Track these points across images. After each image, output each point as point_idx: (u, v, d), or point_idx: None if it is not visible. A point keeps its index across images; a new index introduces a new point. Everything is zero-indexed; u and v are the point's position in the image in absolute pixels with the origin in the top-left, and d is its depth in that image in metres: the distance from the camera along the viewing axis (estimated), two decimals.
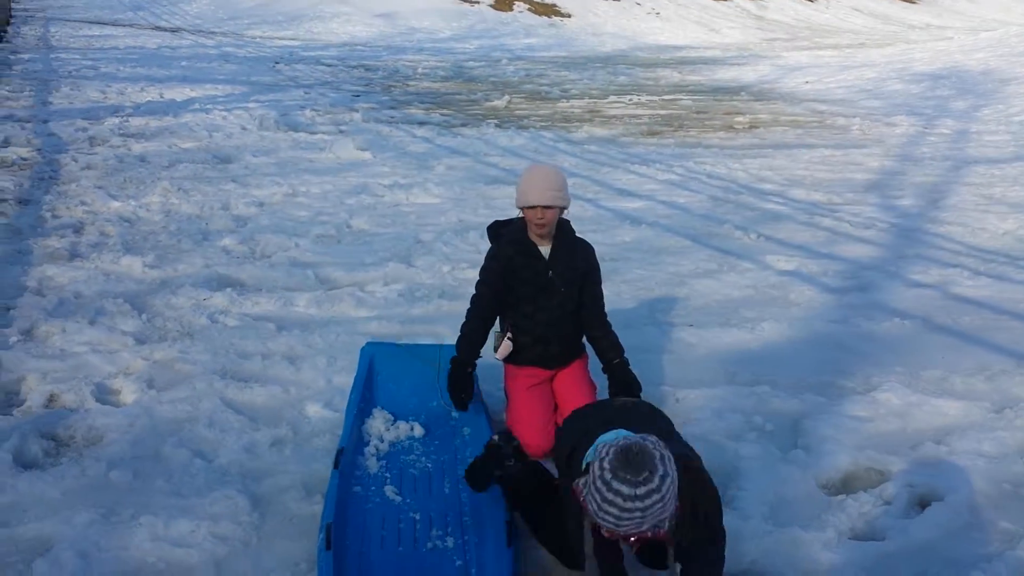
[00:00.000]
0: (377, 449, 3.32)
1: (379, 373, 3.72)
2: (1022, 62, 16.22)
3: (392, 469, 3.22)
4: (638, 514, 2.15)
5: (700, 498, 2.38)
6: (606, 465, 2.17)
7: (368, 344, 3.89)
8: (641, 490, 2.14)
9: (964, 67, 16.80)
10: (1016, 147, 10.32)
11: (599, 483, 2.18)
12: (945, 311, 5.04)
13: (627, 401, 2.96)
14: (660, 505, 2.17)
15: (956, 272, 5.72)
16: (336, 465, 3.08)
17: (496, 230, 3.53)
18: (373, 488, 3.09)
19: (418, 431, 3.46)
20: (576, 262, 3.42)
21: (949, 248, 6.31)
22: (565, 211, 3.38)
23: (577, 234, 3.50)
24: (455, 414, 3.58)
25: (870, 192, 8.10)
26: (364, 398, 3.58)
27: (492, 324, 3.50)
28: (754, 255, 6.07)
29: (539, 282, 3.38)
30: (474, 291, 3.49)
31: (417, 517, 2.94)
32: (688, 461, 2.40)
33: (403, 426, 3.46)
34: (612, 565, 2.56)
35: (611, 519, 2.18)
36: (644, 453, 2.16)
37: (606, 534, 2.30)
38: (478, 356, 3.49)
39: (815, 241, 6.47)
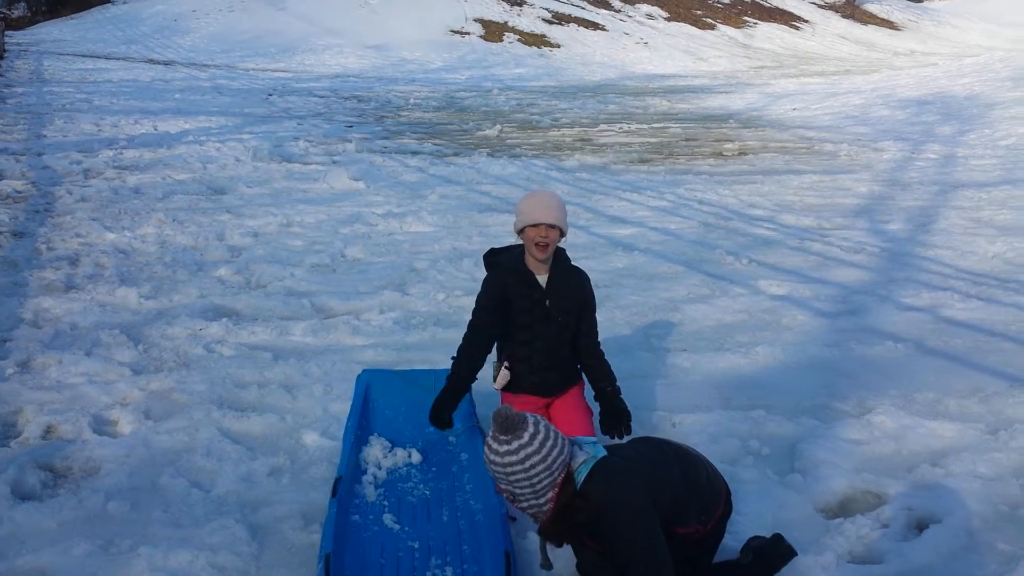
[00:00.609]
0: (375, 477, 3.32)
1: (375, 400, 3.73)
2: (1007, 87, 16.43)
3: (390, 497, 3.22)
4: (499, 468, 2.48)
5: (598, 516, 2.51)
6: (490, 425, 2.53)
7: (364, 371, 3.89)
8: (495, 445, 2.47)
9: (949, 92, 17.01)
10: (1003, 171, 10.43)
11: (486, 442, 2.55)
12: (937, 334, 5.08)
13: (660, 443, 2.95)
14: (520, 469, 2.45)
15: (946, 295, 5.77)
16: (334, 493, 3.07)
17: (492, 258, 3.52)
18: (371, 516, 3.09)
19: (415, 458, 3.46)
20: (573, 291, 3.43)
21: (939, 271, 6.37)
22: (563, 239, 3.41)
23: (572, 262, 3.52)
24: (452, 439, 3.58)
25: (859, 217, 8.18)
26: (361, 425, 3.58)
27: (490, 350, 3.48)
28: (746, 280, 6.11)
29: (536, 311, 3.38)
30: (471, 318, 3.46)
31: (416, 546, 2.94)
32: (591, 486, 2.52)
33: (400, 453, 3.47)
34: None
35: (490, 472, 2.55)
36: (512, 422, 2.47)
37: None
38: (475, 379, 3.45)
39: (806, 266, 6.53)
